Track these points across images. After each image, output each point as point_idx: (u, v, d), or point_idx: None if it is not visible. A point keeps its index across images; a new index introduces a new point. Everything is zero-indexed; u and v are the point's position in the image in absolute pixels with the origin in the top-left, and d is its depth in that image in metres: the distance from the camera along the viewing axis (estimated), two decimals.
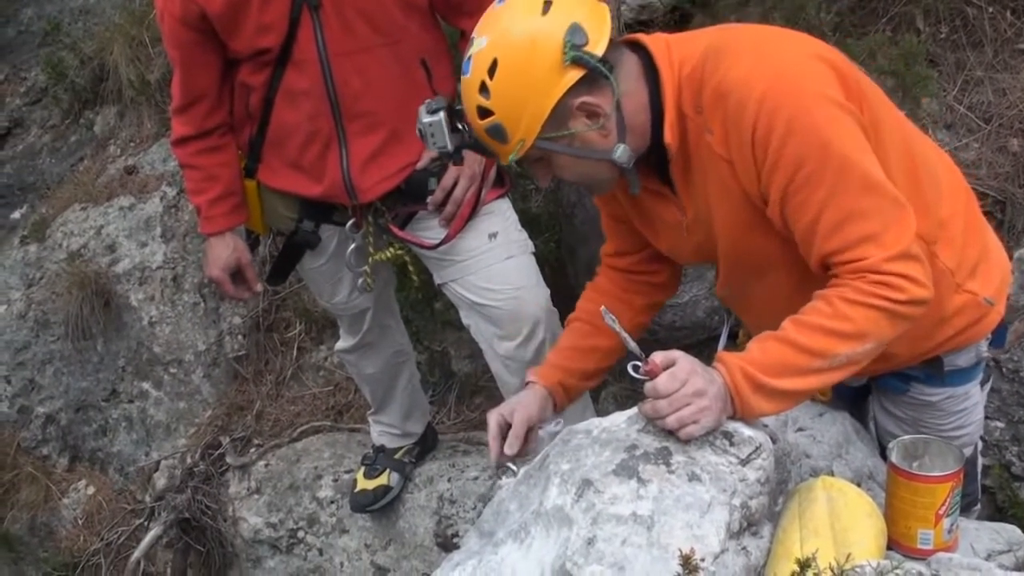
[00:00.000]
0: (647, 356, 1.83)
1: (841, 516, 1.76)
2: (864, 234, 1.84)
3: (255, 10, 2.67)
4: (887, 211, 1.85)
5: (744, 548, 1.71)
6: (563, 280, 3.72)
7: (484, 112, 1.95)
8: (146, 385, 4.63)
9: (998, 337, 2.24)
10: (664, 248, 2.29)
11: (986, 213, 3.18)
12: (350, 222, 3.02)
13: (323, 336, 4.57)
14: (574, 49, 1.88)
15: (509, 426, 2.22)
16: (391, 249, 3.09)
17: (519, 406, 2.25)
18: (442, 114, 2.06)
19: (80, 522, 4.59)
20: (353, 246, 3.07)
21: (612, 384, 3.83)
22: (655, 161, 2.04)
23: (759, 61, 1.90)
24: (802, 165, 1.83)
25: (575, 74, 1.89)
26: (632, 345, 1.84)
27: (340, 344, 3.51)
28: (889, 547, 1.85)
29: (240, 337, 4.61)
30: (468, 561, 1.82)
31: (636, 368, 1.83)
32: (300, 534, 4.03)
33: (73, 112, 5.43)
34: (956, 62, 3.56)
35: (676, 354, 1.82)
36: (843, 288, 1.85)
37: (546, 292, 3.02)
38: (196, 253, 4.62)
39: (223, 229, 3.05)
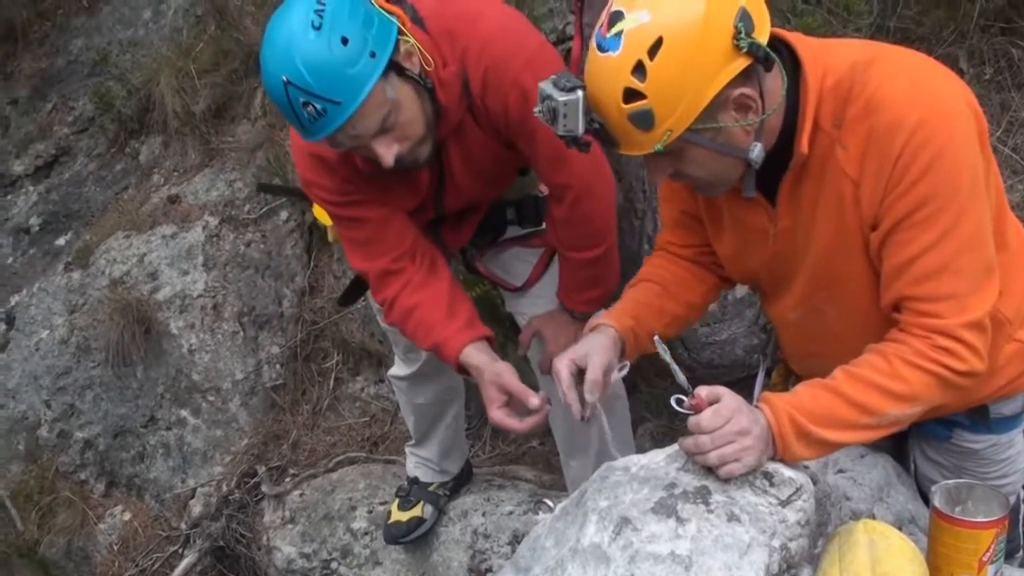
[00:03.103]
0: (692, 390, 1.82)
1: (883, 561, 1.74)
2: (951, 291, 1.82)
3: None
4: (979, 275, 1.84)
5: None
6: None
7: (633, 95, 1.76)
8: (184, 412, 4.65)
9: None
10: (727, 253, 2.21)
11: None
12: None
13: (360, 367, 4.58)
14: (748, 36, 1.75)
15: (581, 372, 2.06)
16: (480, 287, 3.09)
17: (594, 350, 2.07)
18: (580, 92, 1.82)
19: (115, 548, 4.60)
20: None
21: (650, 421, 3.80)
22: (763, 165, 1.92)
23: (916, 88, 1.83)
24: (927, 203, 1.80)
25: (741, 63, 1.76)
26: (681, 378, 1.83)
27: (394, 370, 3.49)
28: None
29: (278, 366, 4.63)
30: None
31: (680, 402, 1.82)
32: (333, 565, 4.02)
33: (119, 141, 5.50)
34: (1001, 103, 3.54)
35: (721, 390, 1.81)
36: (903, 347, 1.83)
37: None
38: (236, 282, 4.66)
39: (469, 339, 2.64)
